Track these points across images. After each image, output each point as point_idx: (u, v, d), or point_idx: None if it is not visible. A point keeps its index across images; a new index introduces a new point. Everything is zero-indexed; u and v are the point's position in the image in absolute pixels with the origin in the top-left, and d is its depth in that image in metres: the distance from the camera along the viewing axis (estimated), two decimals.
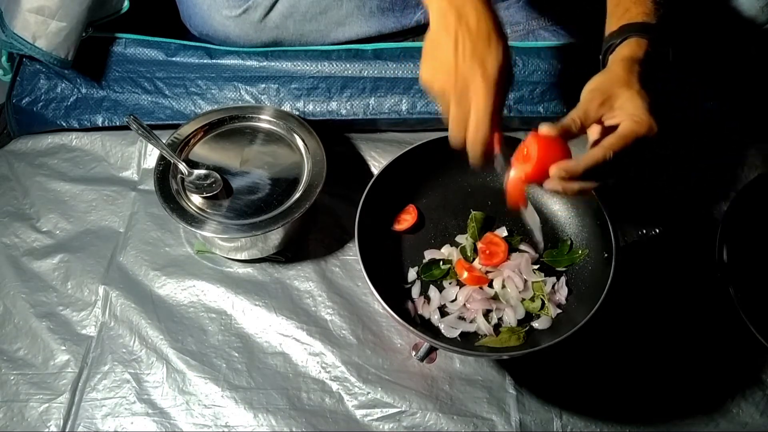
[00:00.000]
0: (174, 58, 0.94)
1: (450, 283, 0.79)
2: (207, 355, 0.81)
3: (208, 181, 0.81)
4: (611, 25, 0.72)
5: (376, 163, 0.97)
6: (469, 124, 0.61)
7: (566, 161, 0.62)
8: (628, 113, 0.63)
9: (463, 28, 0.60)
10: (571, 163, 0.61)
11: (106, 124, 0.97)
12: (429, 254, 0.82)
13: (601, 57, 0.73)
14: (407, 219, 0.83)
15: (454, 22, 0.60)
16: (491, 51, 0.60)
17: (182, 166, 0.82)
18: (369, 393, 0.78)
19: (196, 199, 0.82)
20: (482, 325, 0.75)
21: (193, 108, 0.96)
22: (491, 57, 0.60)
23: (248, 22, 0.94)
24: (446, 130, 0.95)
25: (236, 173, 0.84)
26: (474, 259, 0.81)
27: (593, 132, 0.67)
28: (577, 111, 0.64)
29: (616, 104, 0.64)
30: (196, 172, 0.82)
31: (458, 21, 0.60)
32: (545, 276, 0.79)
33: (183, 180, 0.83)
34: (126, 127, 0.98)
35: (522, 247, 0.81)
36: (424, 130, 0.98)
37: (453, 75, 0.60)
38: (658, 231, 0.73)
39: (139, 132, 0.82)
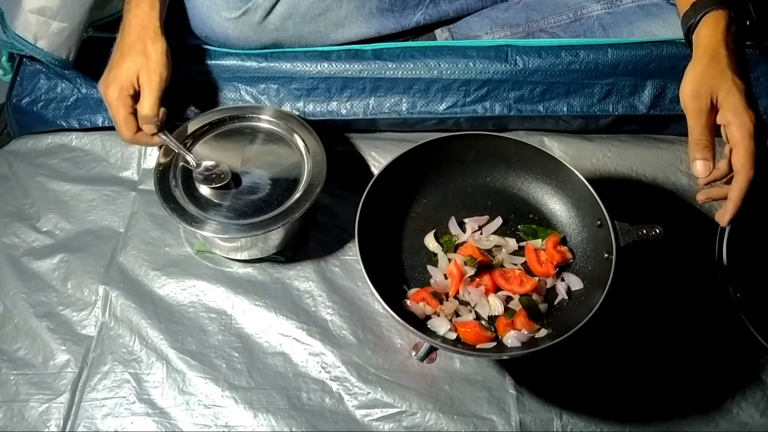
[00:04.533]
0: (173, 59, 0.94)
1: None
2: (207, 355, 0.81)
3: (217, 171, 0.82)
4: (683, 3, 0.70)
5: (376, 163, 0.97)
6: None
7: (724, 212, 0.66)
8: (728, 106, 0.63)
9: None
10: (729, 211, 0.65)
11: (106, 124, 0.97)
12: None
13: (684, 38, 0.71)
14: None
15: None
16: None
17: (190, 158, 0.83)
18: (369, 393, 0.78)
19: (199, 196, 0.82)
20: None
21: (193, 108, 0.96)
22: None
23: (248, 24, 0.94)
24: (446, 130, 0.96)
25: (236, 173, 0.84)
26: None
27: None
28: (699, 130, 0.64)
29: (718, 102, 0.63)
30: (204, 163, 0.83)
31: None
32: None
33: (186, 178, 0.83)
34: None
35: (504, 261, 0.81)
36: (424, 130, 0.98)
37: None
38: (658, 231, 0.73)
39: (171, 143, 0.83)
